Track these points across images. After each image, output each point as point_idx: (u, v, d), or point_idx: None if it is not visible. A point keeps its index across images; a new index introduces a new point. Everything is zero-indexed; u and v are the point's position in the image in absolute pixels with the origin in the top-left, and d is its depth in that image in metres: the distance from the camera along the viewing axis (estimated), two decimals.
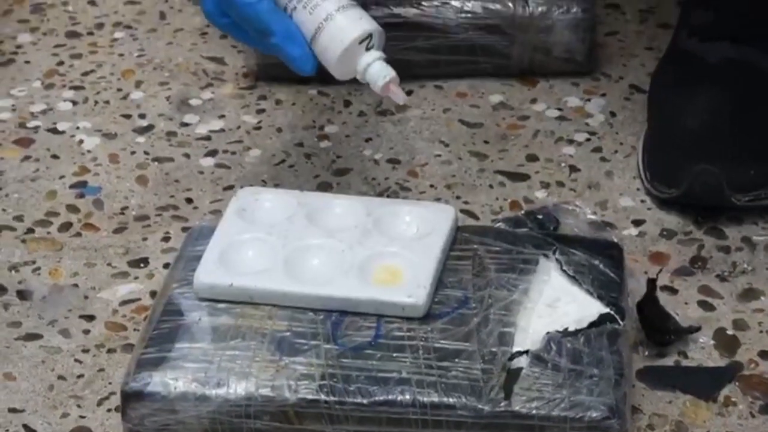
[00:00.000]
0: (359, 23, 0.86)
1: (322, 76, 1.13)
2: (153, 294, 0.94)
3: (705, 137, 1.00)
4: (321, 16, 0.86)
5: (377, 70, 0.86)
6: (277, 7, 0.87)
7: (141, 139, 1.09)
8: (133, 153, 1.08)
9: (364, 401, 0.79)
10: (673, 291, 0.94)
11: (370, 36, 0.86)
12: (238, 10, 0.87)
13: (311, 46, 0.87)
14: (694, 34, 1.07)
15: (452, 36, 1.13)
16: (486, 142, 1.08)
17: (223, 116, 1.12)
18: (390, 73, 0.86)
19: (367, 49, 0.86)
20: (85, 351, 0.90)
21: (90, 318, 0.93)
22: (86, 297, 0.95)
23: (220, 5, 0.88)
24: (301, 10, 0.86)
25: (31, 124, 1.12)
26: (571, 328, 0.82)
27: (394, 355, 0.81)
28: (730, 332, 0.91)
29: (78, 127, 1.11)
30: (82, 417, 0.85)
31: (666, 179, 1.00)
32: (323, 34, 0.85)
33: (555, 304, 0.84)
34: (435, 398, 0.79)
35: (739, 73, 1.04)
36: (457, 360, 0.80)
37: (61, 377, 0.88)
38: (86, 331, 0.92)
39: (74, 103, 1.14)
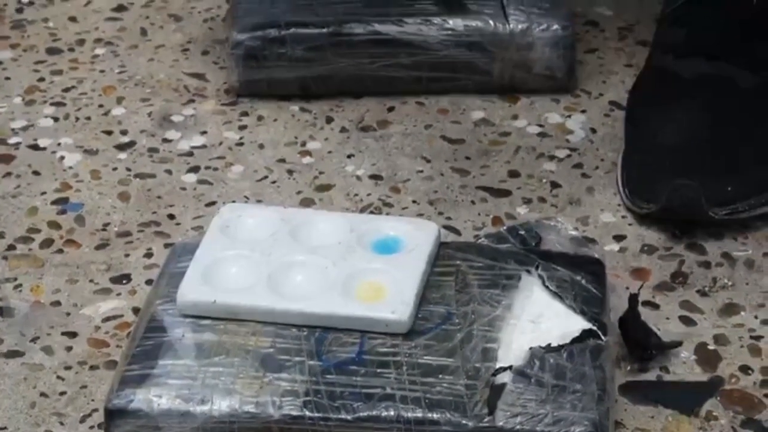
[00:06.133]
0: None
1: (304, 92, 1.15)
2: (135, 310, 0.93)
3: (682, 152, 1.01)
4: None
5: None
6: None
7: (123, 156, 1.09)
8: (114, 169, 1.08)
9: (349, 417, 0.79)
10: (654, 306, 0.94)
11: None
12: None
13: None
14: (669, 51, 1.08)
15: (434, 53, 1.13)
16: (467, 158, 1.09)
17: (205, 132, 1.12)
18: None
19: None
20: (68, 368, 0.90)
21: (72, 335, 0.93)
22: (68, 314, 0.94)
23: None
24: None
25: (12, 140, 1.11)
26: (554, 344, 0.83)
27: (378, 371, 0.81)
28: (711, 347, 0.91)
29: (59, 144, 1.11)
30: None
31: (644, 194, 1.00)
32: None
33: (538, 319, 0.85)
34: (419, 414, 0.79)
35: (715, 88, 1.04)
36: (441, 376, 0.81)
37: (43, 394, 0.88)
38: (68, 348, 0.91)
39: (55, 119, 1.14)
